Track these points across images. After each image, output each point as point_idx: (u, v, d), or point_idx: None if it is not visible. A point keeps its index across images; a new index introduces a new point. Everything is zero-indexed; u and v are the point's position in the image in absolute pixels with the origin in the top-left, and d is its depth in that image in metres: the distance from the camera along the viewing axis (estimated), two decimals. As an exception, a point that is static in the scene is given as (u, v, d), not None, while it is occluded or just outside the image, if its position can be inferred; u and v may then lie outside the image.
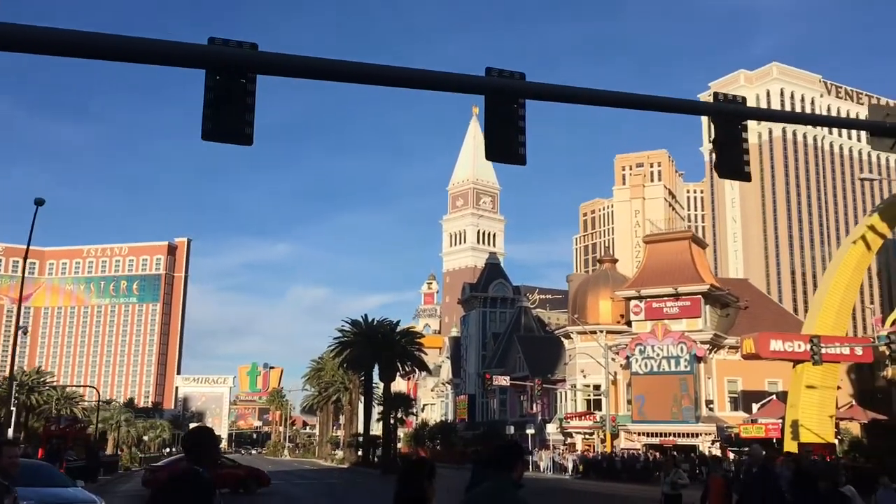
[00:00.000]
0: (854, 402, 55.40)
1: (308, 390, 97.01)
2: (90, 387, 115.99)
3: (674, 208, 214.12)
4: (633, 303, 58.36)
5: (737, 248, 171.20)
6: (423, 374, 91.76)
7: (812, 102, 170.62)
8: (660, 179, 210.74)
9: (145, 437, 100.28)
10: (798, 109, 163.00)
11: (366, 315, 66.17)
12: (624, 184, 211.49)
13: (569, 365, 65.78)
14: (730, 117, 12.93)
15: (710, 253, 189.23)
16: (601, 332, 62.05)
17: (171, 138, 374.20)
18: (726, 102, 13.03)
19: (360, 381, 70.78)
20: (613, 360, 59.39)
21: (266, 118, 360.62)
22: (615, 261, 71.28)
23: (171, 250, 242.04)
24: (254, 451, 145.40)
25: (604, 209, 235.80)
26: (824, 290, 49.65)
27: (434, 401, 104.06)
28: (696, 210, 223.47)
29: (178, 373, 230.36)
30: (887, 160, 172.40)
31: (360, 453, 73.72)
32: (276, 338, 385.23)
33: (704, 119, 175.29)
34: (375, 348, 60.75)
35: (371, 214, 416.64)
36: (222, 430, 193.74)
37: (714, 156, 13.08)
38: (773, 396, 52.61)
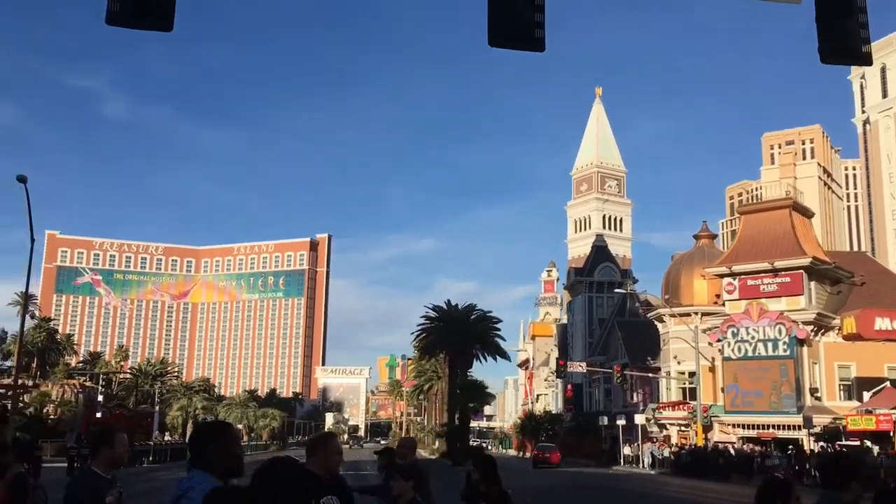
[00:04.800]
0: None
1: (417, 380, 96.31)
2: (171, 377, 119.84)
3: (830, 187, 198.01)
4: (725, 280, 52.70)
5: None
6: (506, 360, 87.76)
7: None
8: (812, 157, 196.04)
9: (254, 426, 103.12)
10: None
11: (448, 301, 63.95)
12: (773, 163, 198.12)
13: (663, 350, 60.66)
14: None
15: (866, 233, 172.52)
16: (695, 313, 56.60)
17: (312, 142, 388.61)
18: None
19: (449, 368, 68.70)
20: (710, 344, 54.03)
21: (406, 115, 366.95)
22: (714, 236, 65.02)
23: (313, 246, 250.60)
24: (382, 441, 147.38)
25: (752, 191, 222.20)
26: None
27: (546, 391, 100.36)
28: (856, 188, 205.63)
29: (323, 364, 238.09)
30: None
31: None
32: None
33: (856, 86, 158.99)
34: (449, 335, 58.23)
35: (510, 205, 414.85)
36: (359, 420, 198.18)
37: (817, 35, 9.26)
38: (887, 383, 45.71)
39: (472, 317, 61.65)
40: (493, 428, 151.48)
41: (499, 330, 62.43)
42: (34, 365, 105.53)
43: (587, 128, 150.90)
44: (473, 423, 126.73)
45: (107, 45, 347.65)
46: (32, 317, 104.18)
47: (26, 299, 30.95)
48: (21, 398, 54.42)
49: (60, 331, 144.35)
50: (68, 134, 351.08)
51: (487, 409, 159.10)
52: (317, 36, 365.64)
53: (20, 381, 52.82)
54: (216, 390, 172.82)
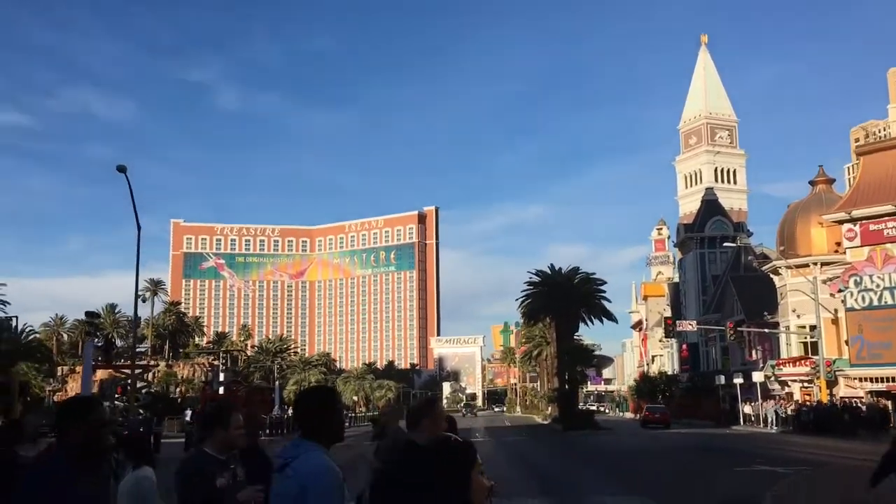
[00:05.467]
0: None
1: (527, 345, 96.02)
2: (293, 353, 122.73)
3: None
4: (845, 227, 49.49)
5: None
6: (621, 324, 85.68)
7: None
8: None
9: (371, 398, 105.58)
10: None
11: (552, 265, 62.94)
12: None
13: (781, 304, 57.79)
14: None
15: None
16: (814, 264, 53.55)
17: (415, 116, 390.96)
18: None
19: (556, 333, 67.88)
20: (832, 295, 51.08)
21: (505, 83, 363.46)
22: (831, 181, 61.01)
23: (421, 219, 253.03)
24: (496, 409, 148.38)
25: (879, 131, 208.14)
26: None
27: (661, 352, 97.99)
28: None
29: (438, 335, 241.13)
30: None
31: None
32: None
33: None
34: (553, 300, 57.39)
35: (619, 165, 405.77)
36: (476, 388, 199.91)
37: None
38: None
39: (576, 280, 60.44)
40: (612, 391, 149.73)
41: (604, 292, 61.07)
42: (166, 346, 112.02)
43: (693, 78, 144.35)
44: (591, 387, 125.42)
45: (213, 39, 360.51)
46: (148, 301, 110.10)
47: (137, 283, 32.34)
48: (146, 377, 57.83)
49: (190, 314, 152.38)
50: (186, 127, 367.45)
51: (606, 373, 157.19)
52: (413, 11, 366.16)
53: (144, 361, 56.19)
54: (337, 364, 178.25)
